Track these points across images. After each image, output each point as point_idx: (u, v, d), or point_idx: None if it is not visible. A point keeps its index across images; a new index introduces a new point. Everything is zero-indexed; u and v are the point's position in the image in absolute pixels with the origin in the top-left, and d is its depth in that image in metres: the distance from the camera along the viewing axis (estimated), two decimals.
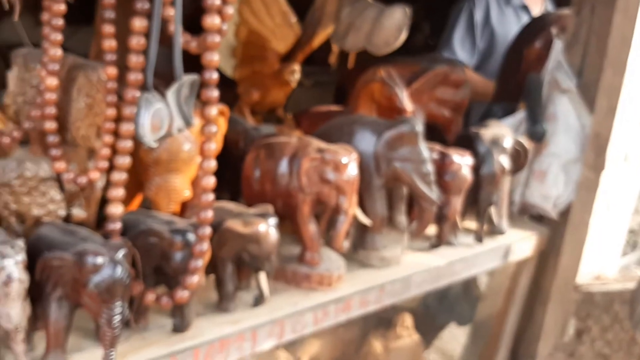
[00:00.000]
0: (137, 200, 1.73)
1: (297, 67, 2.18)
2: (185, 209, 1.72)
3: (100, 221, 1.59)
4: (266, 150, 1.75)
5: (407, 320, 2.41)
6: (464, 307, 2.70)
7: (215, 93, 1.33)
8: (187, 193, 1.66)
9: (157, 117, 1.24)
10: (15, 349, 1.22)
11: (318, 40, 2.21)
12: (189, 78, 1.25)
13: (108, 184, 1.44)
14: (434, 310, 2.65)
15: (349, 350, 2.49)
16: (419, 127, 1.80)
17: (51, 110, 1.32)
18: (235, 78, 2.25)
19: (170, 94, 1.23)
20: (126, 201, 1.51)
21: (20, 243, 1.22)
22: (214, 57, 1.30)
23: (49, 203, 1.44)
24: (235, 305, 1.58)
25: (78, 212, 1.50)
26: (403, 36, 2.04)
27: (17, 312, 1.19)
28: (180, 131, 1.28)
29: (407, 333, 2.41)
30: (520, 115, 2.46)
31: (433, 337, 2.75)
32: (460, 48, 3.18)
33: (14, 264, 1.17)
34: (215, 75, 1.32)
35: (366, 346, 2.43)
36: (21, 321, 1.20)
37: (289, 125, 2.29)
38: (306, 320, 1.66)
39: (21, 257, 1.19)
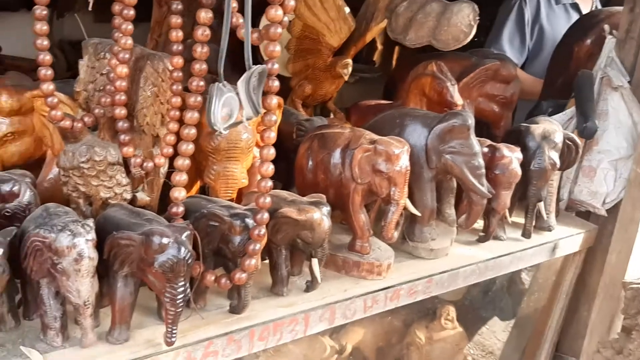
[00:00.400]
0: (196, 187, 1.79)
1: (350, 61, 2.21)
2: (241, 196, 1.78)
3: (160, 206, 1.67)
4: (319, 140, 1.79)
5: (451, 312, 2.43)
6: (507, 302, 2.70)
7: (276, 83, 1.37)
8: (244, 181, 1.71)
9: (227, 105, 1.29)
10: (84, 323, 1.29)
11: (371, 35, 2.24)
12: (258, 68, 1.29)
13: (170, 170, 1.51)
14: (477, 304, 2.65)
15: (392, 339, 2.52)
16: (471, 121, 1.81)
17: (121, 97, 1.38)
18: (289, 71, 2.30)
19: (241, 83, 1.27)
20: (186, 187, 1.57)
21: (90, 222, 1.28)
22: (275, 48, 1.34)
23: (115, 186, 1.51)
24: (289, 289, 1.63)
25: (142, 196, 1.56)
26: (473, 33, 2.03)
27: (86, 288, 1.25)
28: (249, 119, 1.33)
29: (450, 325, 2.42)
30: (570, 111, 2.44)
31: (475, 331, 2.75)
32: (509, 46, 3.15)
33: (85, 242, 1.24)
34: (276, 66, 1.36)
35: (409, 336, 2.46)
36: (90, 297, 1.27)
37: (339, 117, 2.33)
38: (356, 306, 1.70)
39: (91, 235, 1.26)
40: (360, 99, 2.36)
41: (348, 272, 1.76)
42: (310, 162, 1.80)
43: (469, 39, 2.06)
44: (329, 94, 2.36)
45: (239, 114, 1.33)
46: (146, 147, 1.54)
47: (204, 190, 1.81)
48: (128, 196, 1.53)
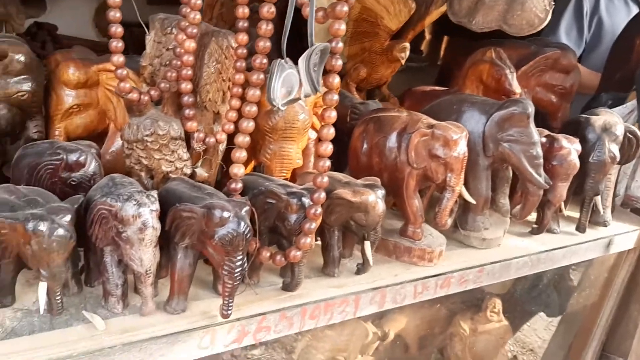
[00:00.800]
0: (250, 166, 1.80)
1: (408, 45, 2.19)
2: (294, 177, 1.79)
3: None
4: (375, 123, 1.78)
5: (497, 305, 2.40)
6: (554, 297, 2.65)
7: (339, 62, 1.36)
8: (299, 162, 1.72)
9: (287, 82, 1.30)
10: (144, 291, 1.33)
11: (430, 19, 2.20)
12: (320, 45, 1.29)
13: (229, 148, 1.52)
14: (523, 298, 2.61)
15: (434, 329, 2.51)
16: (531, 109, 1.77)
17: (187, 71, 1.40)
18: (344, 55, 2.29)
19: (301, 60, 1.27)
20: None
21: (155, 194, 1.31)
22: (341, 27, 1.34)
23: (176, 161, 1.53)
24: (340, 271, 1.63)
25: (200, 172, 1.58)
26: (548, 18, 1.97)
27: (149, 257, 1.28)
28: (307, 97, 1.33)
29: (496, 318, 2.40)
30: (630, 104, 2.37)
31: (520, 325, 2.71)
32: (566, 37, 3.06)
33: (149, 212, 1.27)
34: (340, 45, 1.35)
35: (453, 327, 2.44)
36: (152, 266, 1.30)
37: (392, 102, 2.31)
38: (406, 292, 1.69)
39: (156, 206, 1.28)
40: (406, 87, 2.34)
41: (399, 258, 1.76)
42: (365, 145, 1.79)
43: (543, 25, 1.98)
44: (384, 78, 2.34)
45: (298, 91, 1.33)
46: (207, 124, 1.56)
47: (257, 170, 1.82)
48: (188, 171, 1.55)
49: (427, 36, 4.60)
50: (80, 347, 1.23)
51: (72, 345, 1.23)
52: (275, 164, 1.70)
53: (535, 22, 1.95)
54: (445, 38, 4.41)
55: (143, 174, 1.54)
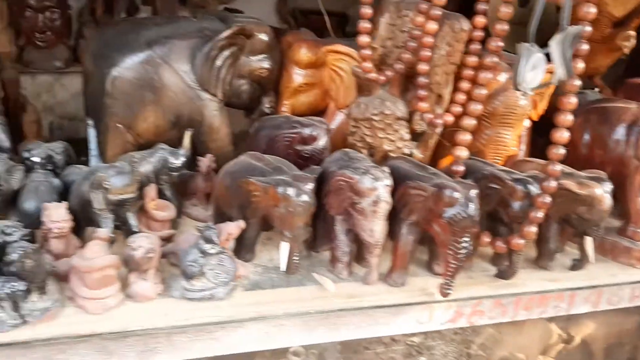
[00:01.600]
0: None
1: (633, 34, 2.03)
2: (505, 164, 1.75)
3: None
4: (599, 114, 1.69)
5: None
6: None
7: (584, 47, 1.31)
8: (514, 149, 1.69)
9: (535, 66, 1.27)
10: (371, 261, 1.38)
11: None
12: (573, 29, 1.25)
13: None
14: None
15: (623, 339, 2.34)
16: None
17: (426, 53, 1.43)
18: None
19: (555, 44, 1.24)
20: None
21: (387, 170, 1.36)
22: (590, 9, 1.29)
23: (398, 140, 1.58)
24: (554, 264, 1.58)
25: (417, 153, 1.61)
26: None
27: (379, 229, 1.33)
28: (560, 81, 1.30)
29: None
30: None
31: None
32: None
33: (384, 187, 1.32)
34: (589, 28, 1.30)
35: None
36: (380, 237, 1.35)
37: (606, 94, 2.17)
38: (623, 294, 1.60)
39: (389, 181, 1.33)
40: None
41: (615, 258, 1.66)
42: (585, 136, 1.71)
43: None
44: (601, 69, 2.19)
45: (547, 76, 1.30)
46: (430, 105, 1.58)
47: None
48: (407, 151, 1.59)
49: None
50: (315, 306, 1.31)
51: (308, 302, 1.32)
52: (490, 149, 1.69)
53: None
54: None
55: (365, 151, 1.60)
